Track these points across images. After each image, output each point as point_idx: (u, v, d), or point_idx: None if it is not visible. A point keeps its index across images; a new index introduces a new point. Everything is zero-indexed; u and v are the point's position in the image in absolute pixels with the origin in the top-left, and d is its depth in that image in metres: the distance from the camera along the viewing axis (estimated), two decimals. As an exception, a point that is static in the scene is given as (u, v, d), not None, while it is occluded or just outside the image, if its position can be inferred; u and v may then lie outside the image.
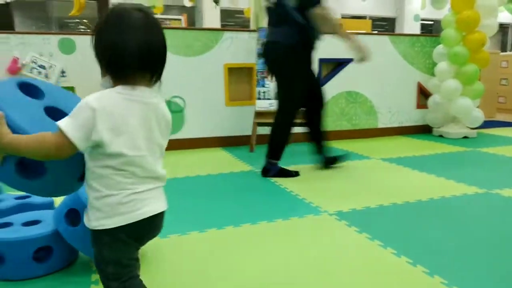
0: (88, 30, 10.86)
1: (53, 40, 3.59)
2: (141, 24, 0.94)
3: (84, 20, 10.68)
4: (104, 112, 0.89)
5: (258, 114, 3.51)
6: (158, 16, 7.53)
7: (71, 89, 3.76)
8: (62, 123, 0.89)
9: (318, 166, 2.89)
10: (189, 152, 3.53)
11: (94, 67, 3.83)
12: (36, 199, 1.77)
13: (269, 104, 3.50)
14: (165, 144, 1.04)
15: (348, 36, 2.56)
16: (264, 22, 3.79)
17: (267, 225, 1.86)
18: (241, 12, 10.72)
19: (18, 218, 1.54)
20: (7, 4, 6.59)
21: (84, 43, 3.75)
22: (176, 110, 3.62)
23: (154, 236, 1.05)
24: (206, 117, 3.70)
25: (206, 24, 10.44)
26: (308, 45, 2.60)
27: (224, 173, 2.83)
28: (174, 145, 3.61)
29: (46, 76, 3.63)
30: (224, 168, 2.94)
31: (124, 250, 0.97)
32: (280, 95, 2.70)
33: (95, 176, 0.94)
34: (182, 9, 10.38)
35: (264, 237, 1.74)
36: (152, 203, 0.98)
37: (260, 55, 3.28)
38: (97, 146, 0.91)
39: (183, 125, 3.66)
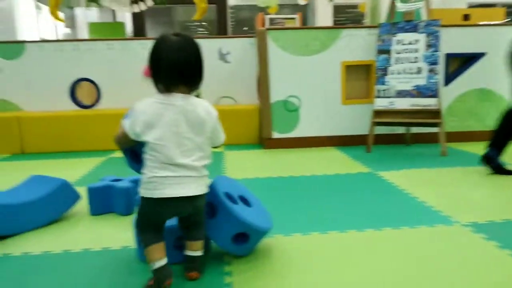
0: (207, 33, 11.60)
1: (182, 44, 3.91)
2: (175, 47, 1.25)
3: (204, 23, 11.43)
4: (140, 112, 1.27)
5: (377, 113, 3.37)
6: (273, 16, 7.72)
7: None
8: (123, 121, 1.32)
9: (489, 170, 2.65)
10: (303, 150, 3.55)
11: (216, 69, 4.10)
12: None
13: (389, 103, 3.34)
14: (200, 139, 1.32)
15: None
16: (383, 17, 3.62)
17: (391, 232, 1.78)
18: (354, 7, 10.42)
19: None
20: (141, 12, 7.37)
21: (208, 45, 4.01)
22: (291, 109, 3.66)
23: (181, 214, 1.36)
24: (321, 116, 3.69)
25: (319, 21, 10.37)
26: None
27: (341, 173, 2.78)
28: (289, 143, 3.66)
29: (175, 78, 3.98)
30: (340, 169, 2.90)
31: (148, 214, 1.32)
32: None
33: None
34: (296, 7, 10.45)
35: (388, 244, 1.66)
36: (173, 188, 1.27)
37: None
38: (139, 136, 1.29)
39: (298, 124, 3.69)
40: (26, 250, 1.69)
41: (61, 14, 6.25)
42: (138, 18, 9.51)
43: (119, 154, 3.61)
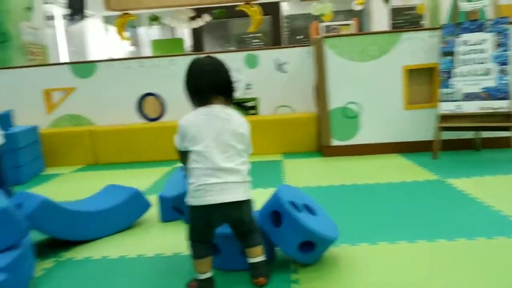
0: (262, 44, 11.77)
1: (240, 56, 4.01)
2: (208, 69, 1.43)
3: (258, 34, 11.63)
4: (188, 124, 1.40)
5: (443, 117, 3.23)
6: (327, 23, 7.68)
7: (255, 100, 4.14)
8: (175, 136, 1.45)
9: None
10: (364, 158, 3.48)
11: (273, 79, 4.16)
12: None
13: (456, 107, 3.18)
14: (241, 146, 1.43)
15: None
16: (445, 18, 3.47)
17: (466, 243, 1.70)
18: (411, 8, 10.08)
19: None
20: (199, 27, 7.66)
21: (265, 57, 4.09)
22: (351, 116, 3.61)
23: (229, 220, 1.42)
24: (382, 122, 3.60)
25: (375, 25, 10.15)
26: None
27: (407, 181, 2.69)
28: (348, 150, 3.61)
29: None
30: (406, 176, 2.80)
31: (197, 223, 1.40)
32: None
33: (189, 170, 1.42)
34: (350, 13, 10.32)
35: (463, 256, 1.58)
36: (220, 194, 1.34)
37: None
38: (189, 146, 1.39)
39: (358, 131, 3.62)
40: (105, 254, 1.81)
41: (126, 34, 6.66)
42: (196, 33, 9.89)
43: (182, 164, 3.76)
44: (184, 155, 1.44)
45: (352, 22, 7.38)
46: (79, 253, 1.84)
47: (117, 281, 1.57)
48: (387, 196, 2.41)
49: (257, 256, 1.44)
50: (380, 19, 10.22)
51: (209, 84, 1.42)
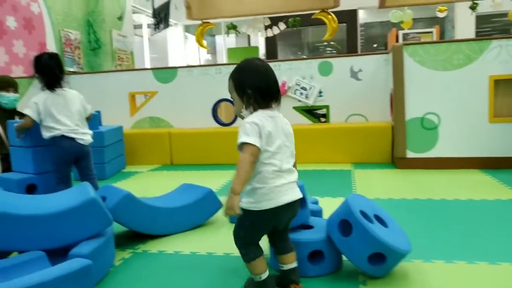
0: (335, 52, 11.64)
1: (314, 64, 4.01)
2: (265, 70, 1.40)
3: (332, 42, 11.51)
4: (261, 125, 1.33)
5: (535, 133, 2.95)
6: (406, 31, 7.39)
7: (326, 107, 4.10)
8: (247, 139, 1.32)
9: None
10: (442, 172, 3.28)
11: (347, 86, 4.09)
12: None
13: (551, 122, 2.89)
14: (292, 147, 1.43)
15: None
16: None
17: (558, 269, 1.53)
18: (501, 15, 9.35)
19: (293, 221, 1.77)
20: (273, 36, 7.77)
21: (339, 65, 4.04)
22: (429, 127, 3.43)
23: (292, 218, 1.43)
24: (464, 134, 3.37)
25: (459, 33, 9.55)
26: None
27: (489, 199, 2.49)
28: (425, 163, 3.43)
29: (306, 97, 4.08)
30: (489, 194, 2.60)
31: (263, 224, 1.40)
32: None
33: (256, 174, 1.36)
34: (432, 20, 9.83)
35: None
36: (288, 194, 1.36)
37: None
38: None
39: (437, 143, 3.43)
40: (178, 249, 1.91)
41: (204, 42, 6.96)
42: (270, 42, 10.05)
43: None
44: (254, 156, 1.32)
45: (434, 30, 7.02)
46: (154, 247, 1.95)
47: (188, 276, 1.64)
48: (467, 214, 2.25)
49: (294, 261, 1.45)
50: (465, 27, 9.58)
51: (276, 83, 1.42)
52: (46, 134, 2.49)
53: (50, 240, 1.57)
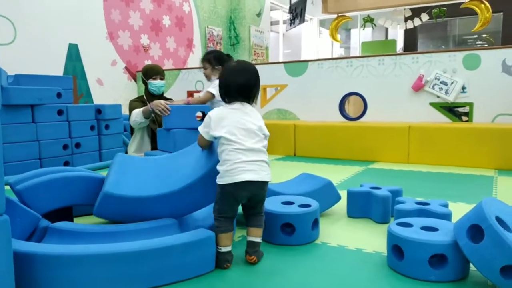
0: (486, 45, 10.34)
1: (458, 56, 3.64)
2: (238, 70, 1.66)
3: (484, 35, 10.23)
4: (215, 117, 1.59)
5: None
6: None
7: (470, 105, 3.69)
8: (199, 128, 1.66)
9: None
10: None
11: (497, 83, 3.60)
12: (436, 208, 1.85)
13: None
14: (259, 132, 1.62)
15: None
16: None
17: None
18: None
19: (417, 221, 1.65)
20: (414, 28, 7.26)
21: (489, 58, 3.58)
22: None
23: (256, 197, 1.57)
24: None
25: None
26: None
27: None
28: None
29: (446, 92, 3.73)
30: None
31: (228, 198, 1.56)
32: None
33: (222, 151, 1.58)
34: None
35: None
36: (246, 173, 1.51)
37: None
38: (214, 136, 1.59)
39: None
40: (293, 235, 1.94)
41: (338, 36, 6.88)
42: (410, 34, 9.42)
43: (378, 165, 3.68)
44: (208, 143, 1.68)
45: None
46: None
47: (303, 263, 1.67)
48: None
49: (258, 236, 1.59)
50: None
51: (235, 87, 1.64)
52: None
53: (181, 210, 1.75)
